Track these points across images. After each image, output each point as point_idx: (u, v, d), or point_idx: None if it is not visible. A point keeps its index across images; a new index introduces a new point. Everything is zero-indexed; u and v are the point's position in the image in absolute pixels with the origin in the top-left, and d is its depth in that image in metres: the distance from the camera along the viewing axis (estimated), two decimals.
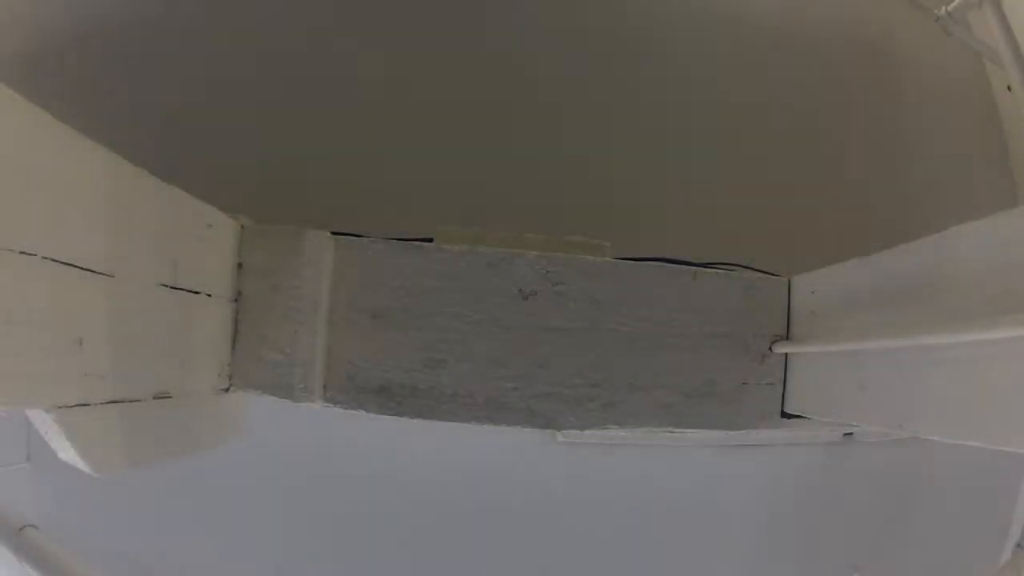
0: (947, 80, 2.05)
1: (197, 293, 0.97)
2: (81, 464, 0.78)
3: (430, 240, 1.17)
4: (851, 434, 1.70)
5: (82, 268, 0.73)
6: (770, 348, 1.17)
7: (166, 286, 0.89)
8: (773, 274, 1.21)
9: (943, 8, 1.77)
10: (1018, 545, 1.56)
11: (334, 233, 1.12)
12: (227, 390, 1.07)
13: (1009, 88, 1.81)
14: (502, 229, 1.23)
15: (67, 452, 0.76)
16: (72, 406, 0.73)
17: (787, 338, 1.17)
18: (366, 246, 1.12)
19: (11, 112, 0.64)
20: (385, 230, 1.17)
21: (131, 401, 0.84)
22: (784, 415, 1.17)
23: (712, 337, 1.16)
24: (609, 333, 1.14)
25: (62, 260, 0.69)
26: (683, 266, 1.17)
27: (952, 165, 1.99)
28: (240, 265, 1.09)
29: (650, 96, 1.82)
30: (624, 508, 1.68)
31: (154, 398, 0.89)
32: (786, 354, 1.17)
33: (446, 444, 1.56)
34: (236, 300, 1.08)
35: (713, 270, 1.18)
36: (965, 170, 2.00)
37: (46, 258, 0.67)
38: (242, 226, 1.10)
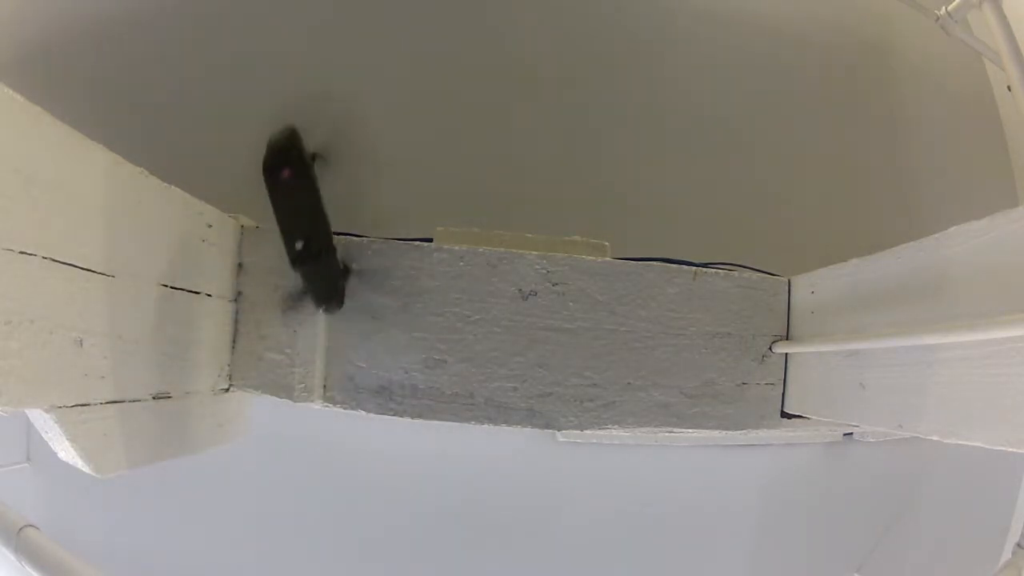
0: (947, 80, 2.05)
1: (197, 293, 0.97)
2: (81, 464, 0.78)
3: (430, 240, 1.17)
4: (851, 434, 1.70)
5: (82, 268, 0.73)
6: (770, 348, 1.17)
7: (166, 286, 0.89)
8: (773, 274, 1.21)
9: (943, 8, 1.77)
10: (1018, 545, 1.56)
11: (334, 233, 1.12)
12: (227, 390, 1.07)
13: (1009, 88, 1.81)
14: (502, 229, 1.23)
15: (67, 452, 0.76)
16: (72, 406, 0.73)
17: (787, 338, 1.18)
18: (366, 246, 1.12)
19: (11, 112, 0.64)
20: (385, 230, 1.17)
21: (131, 401, 0.84)
22: (784, 415, 1.17)
23: (712, 337, 1.16)
24: (609, 333, 1.14)
25: (62, 260, 0.69)
26: (683, 266, 1.17)
27: (952, 165, 1.99)
28: (240, 265, 1.09)
29: (650, 96, 1.82)
30: (624, 508, 1.68)
31: (154, 398, 0.89)
32: (786, 354, 1.17)
33: (446, 444, 1.56)
34: (236, 300, 1.08)
35: (713, 270, 1.18)
36: (965, 170, 2.00)
37: (46, 258, 0.67)
38: (242, 226, 1.10)
